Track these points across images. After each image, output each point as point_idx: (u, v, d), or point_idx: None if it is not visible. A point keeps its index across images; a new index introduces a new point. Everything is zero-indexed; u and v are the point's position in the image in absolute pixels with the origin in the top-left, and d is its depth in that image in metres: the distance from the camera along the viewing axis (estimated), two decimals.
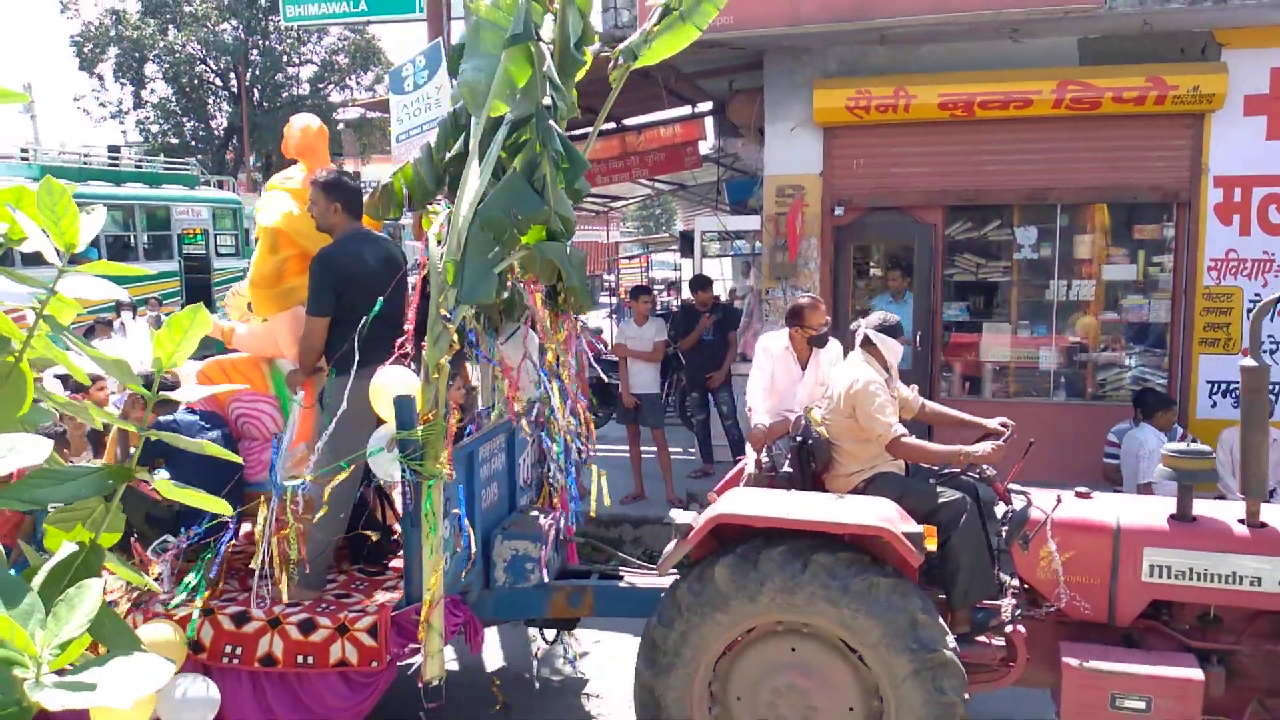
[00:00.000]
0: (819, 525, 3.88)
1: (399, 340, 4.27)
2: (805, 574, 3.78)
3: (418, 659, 4.20)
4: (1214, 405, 7.94)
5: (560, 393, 4.80)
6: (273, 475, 4.37)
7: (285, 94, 36.17)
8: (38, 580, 1.24)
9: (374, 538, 4.79)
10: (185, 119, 35.68)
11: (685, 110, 11.71)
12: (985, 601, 4.27)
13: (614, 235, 28.80)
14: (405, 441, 3.94)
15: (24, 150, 18.82)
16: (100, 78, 34.62)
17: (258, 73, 35.54)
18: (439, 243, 4.06)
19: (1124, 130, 7.93)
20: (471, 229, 3.94)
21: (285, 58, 36.14)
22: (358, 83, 37.19)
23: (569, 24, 4.29)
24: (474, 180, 4.03)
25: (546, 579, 4.76)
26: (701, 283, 9.41)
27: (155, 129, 35.40)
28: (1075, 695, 3.75)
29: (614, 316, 18.06)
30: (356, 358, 4.14)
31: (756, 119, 9.21)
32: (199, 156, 35.81)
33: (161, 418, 4.62)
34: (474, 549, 4.36)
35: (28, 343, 1.34)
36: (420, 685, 4.08)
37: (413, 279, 4.62)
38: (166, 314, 15.18)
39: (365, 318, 4.20)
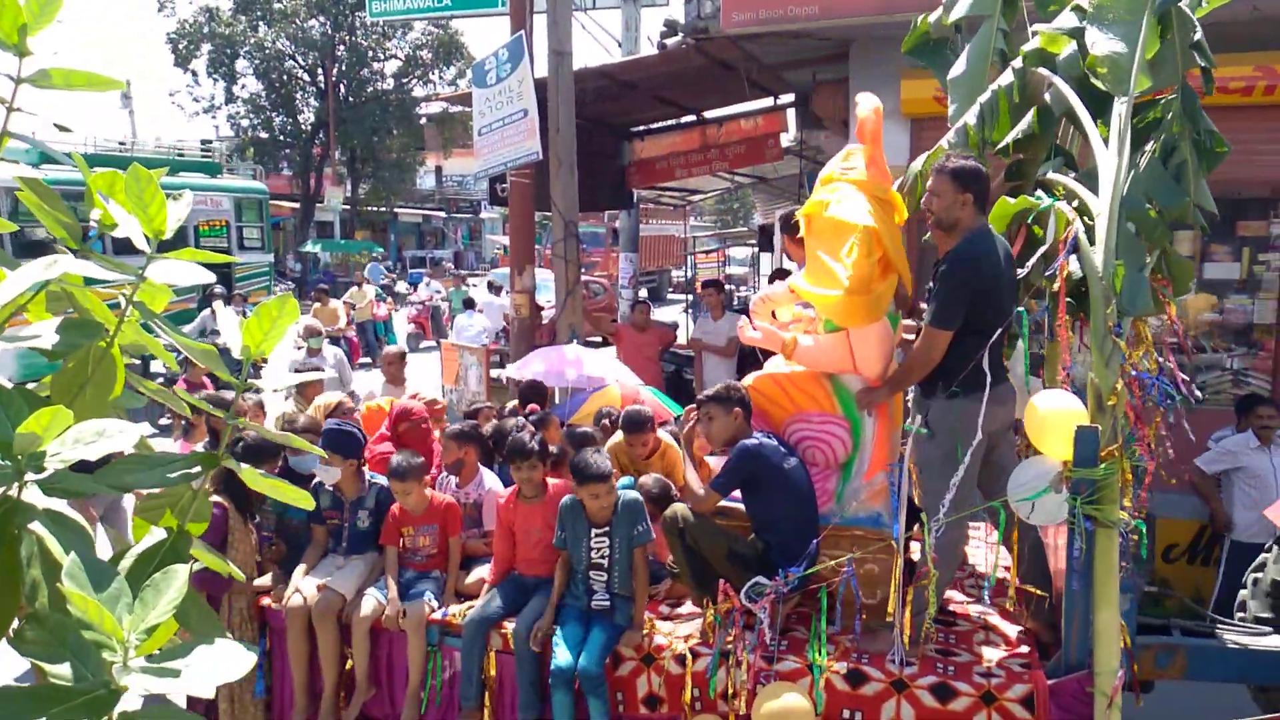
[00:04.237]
0: None
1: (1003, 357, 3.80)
2: None
3: None
4: None
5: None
6: (894, 521, 3.96)
7: (370, 89, 36.90)
8: (124, 565, 1.25)
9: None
10: (274, 114, 36.64)
11: (767, 102, 11.60)
12: None
13: (689, 228, 28.78)
14: (1079, 481, 3.39)
15: (122, 142, 19.39)
16: (194, 74, 35.78)
17: (344, 68, 36.31)
18: (1091, 245, 3.50)
19: (1231, 123, 7.60)
20: (1121, 228, 3.43)
21: (370, 53, 36.87)
22: (440, 77, 37.79)
23: None
24: (1121, 170, 3.50)
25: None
26: (779, 275, 9.31)
27: (245, 123, 36.42)
28: None
29: (690, 311, 18.07)
30: (988, 378, 3.73)
31: (841, 110, 9.06)
32: (287, 150, 36.80)
33: (747, 441, 4.19)
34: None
35: (119, 328, 1.36)
36: None
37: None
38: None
39: (999, 331, 3.74)
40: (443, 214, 50.54)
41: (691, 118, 12.16)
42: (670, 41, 8.80)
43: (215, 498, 4.53)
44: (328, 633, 4.61)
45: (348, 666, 4.69)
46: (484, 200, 40.71)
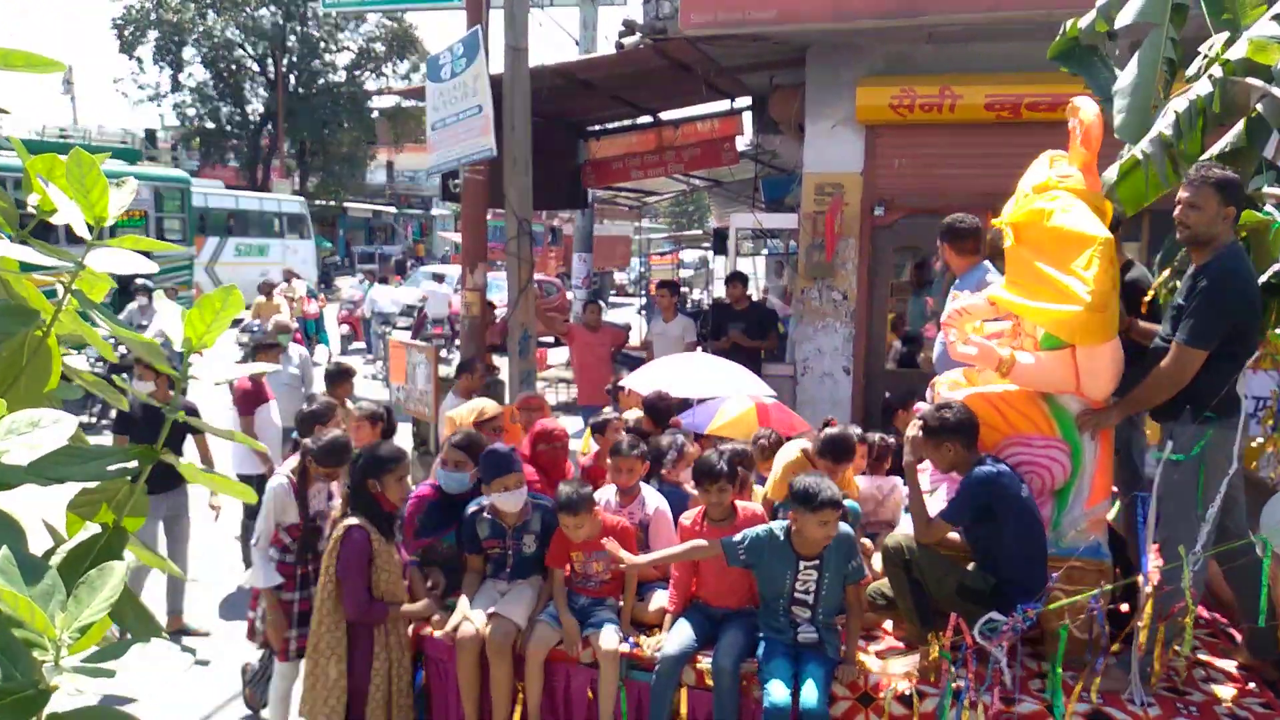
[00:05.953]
0: None
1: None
2: None
3: None
4: None
5: None
6: (1142, 554, 3.75)
7: (321, 81, 36.43)
8: (56, 560, 1.21)
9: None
10: (221, 104, 36.02)
11: (724, 105, 11.64)
12: None
13: (643, 230, 28.80)
14: None
15: (62, 130, 18.90)
16: (139, 61, 35.07)
17: (294, 59, 35.81)
18: None
19: None
20: None
21: (322, 44, 36.41)
22: (393, 70, 37.45)
23: None
24: None
25: None
26: (736, 278, 9.34)
27: (191, 113, 35.77)
28: None
29: (644, 312, 18.09)
30: (1243, 403, 3.61)
31: (797, 115, 9.13)
32: (234, 141, 36.20)
33: (984, 468, 3.89)
34: None
35: (55, 317, 1.31)
36: None
37: None
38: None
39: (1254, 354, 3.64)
40: (393, 209, 50.02)
41: (648, 119, 12.17)
42: (628, 41, 8.80)
43: (354, 520, 4.31)
44: (503, 666, 4.29)
45: (519, 699, 4.39)
46: (435, 196, 40.36)
